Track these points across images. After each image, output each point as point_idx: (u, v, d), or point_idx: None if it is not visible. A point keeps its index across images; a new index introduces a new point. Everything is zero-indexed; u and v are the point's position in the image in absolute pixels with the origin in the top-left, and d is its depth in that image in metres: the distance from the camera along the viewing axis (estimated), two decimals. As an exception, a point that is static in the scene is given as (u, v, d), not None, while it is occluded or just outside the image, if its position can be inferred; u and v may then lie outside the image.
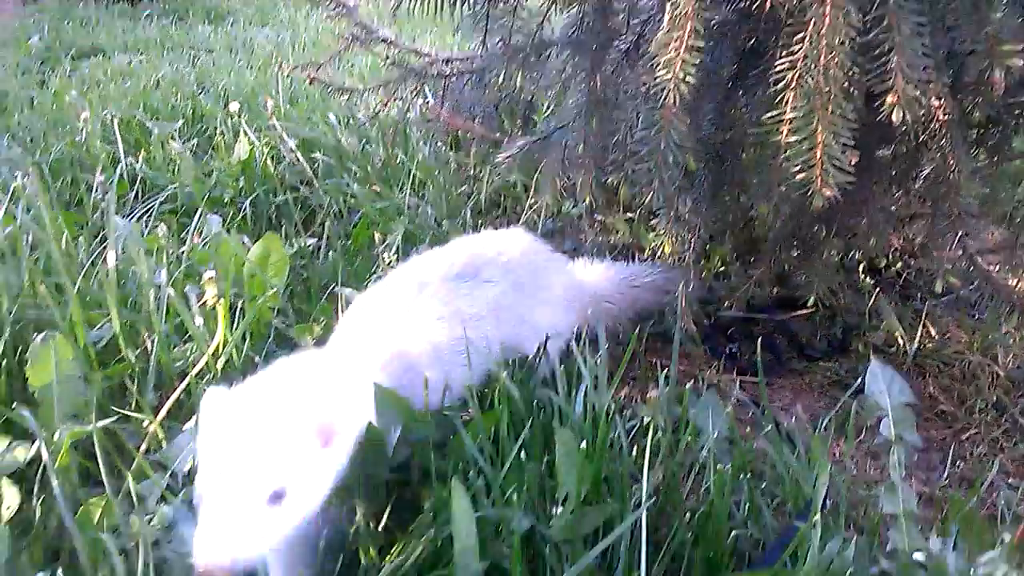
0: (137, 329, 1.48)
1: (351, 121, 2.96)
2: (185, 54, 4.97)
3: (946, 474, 1.50)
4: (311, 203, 2.51)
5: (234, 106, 2.77)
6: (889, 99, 1.11)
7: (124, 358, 1.42)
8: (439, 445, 1.16)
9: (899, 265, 2.25)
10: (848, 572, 1.00)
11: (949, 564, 0.97)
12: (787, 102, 1.16)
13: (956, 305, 2.05)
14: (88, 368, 1.36)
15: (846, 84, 1.17)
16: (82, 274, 1.54)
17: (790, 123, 1.14)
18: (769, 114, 1.18)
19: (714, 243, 2.04)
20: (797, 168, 1.16)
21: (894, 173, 1.74)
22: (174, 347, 1.49)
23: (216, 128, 2.92)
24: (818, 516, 0.97)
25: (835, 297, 1.90)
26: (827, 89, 1.13)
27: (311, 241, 2.12)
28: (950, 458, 1.53)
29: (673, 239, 1.64)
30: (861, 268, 2.13)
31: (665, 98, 1.10)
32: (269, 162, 2.60)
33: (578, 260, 1.82)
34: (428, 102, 2.55)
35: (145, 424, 1.30)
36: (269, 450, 0.92)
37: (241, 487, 0.89)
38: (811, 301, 1.61)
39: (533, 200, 2.30)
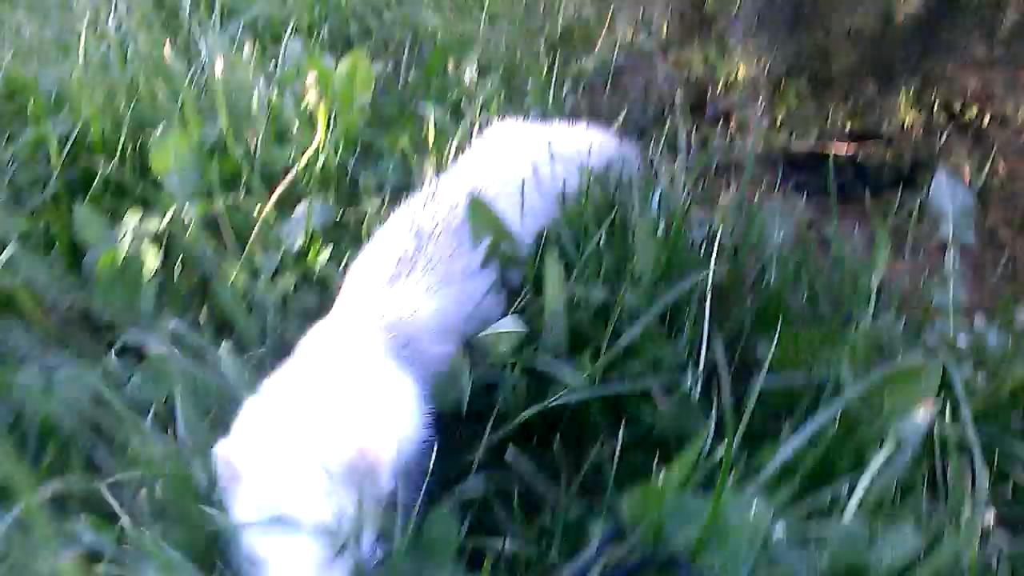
0: (240, 131, 1.60)
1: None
2: None
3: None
4: (380, 32, 2.56)
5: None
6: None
7: (231, 154, 1.54)
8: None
9: (974, 110, 2.24)
10: (894, 344, 1.10)
11: (989, 340, 1.07)
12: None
13: (1025, 148, 2.05)
14: (201, 160, 1.49)
15: None
16: (187, 79, 1.64)
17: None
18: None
19: (789, 76, 2.05)
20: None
21: (979, 18, 1.72)
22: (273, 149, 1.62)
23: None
24: (872, 294, 1.06)
25: (906, 133, 1.92)
26: None
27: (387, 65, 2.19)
28: (999, 273, 1.59)
29: (750, 65, 1.66)
30: (935, 108, 2.13)
31: None
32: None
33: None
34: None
35: (257, 209, 1.44)
36: None
37: None
38: (889, 135, 1.63)
39: (606, 33, 2.31)
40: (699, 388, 1.10)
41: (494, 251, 1.19)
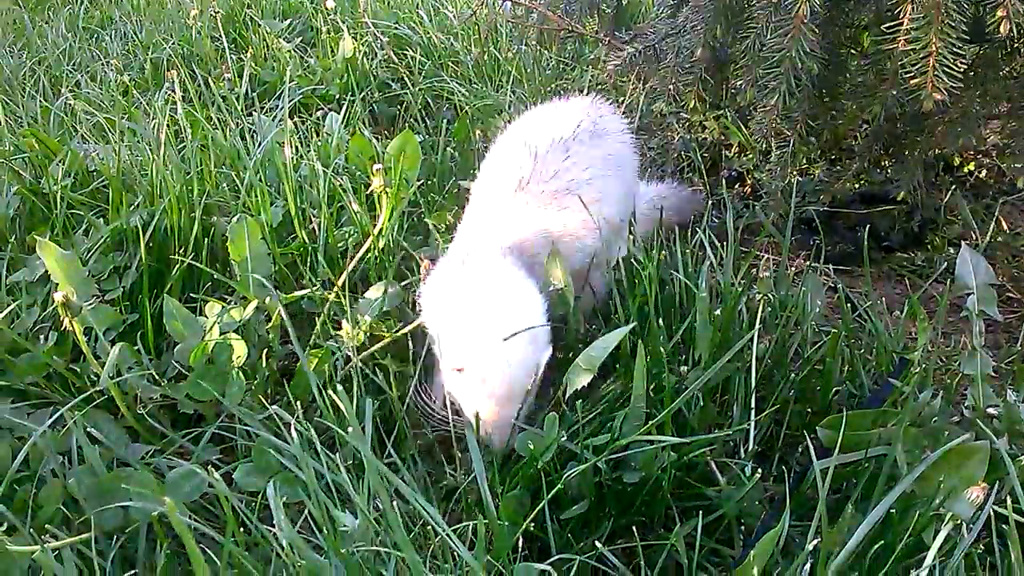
0: (304, 213, 1.70)
1: (439, 19, 3.07)
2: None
3: (1012, 352, 1.69)
4: (402, 99, 2.68)
5: (330, 3, 2.89)
6: (999, 12, 1.23)
7: (298, 236, 1.64)
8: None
9: (972, 164, 2.38)
10: (934, 418, 1.21)
11: (1021, 412, 1.18)
12: (905, 14, 1.29)
13: (1026, 203, 2.18)
14: (272, 246, 1.58)
15: (959, -2, 1.29)
16: (252, 164, 1.74)
17: (906, 32, 1.28)
18: (886, 24, 1.31)
19: (802, 142, 2.17)
20: (910, 74, 1.30)
21: (973, 74, 1.86)
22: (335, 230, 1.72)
23: (311, 25, 3.06)
24: (917, 368, 1.17)
25: (915, 193, 2.05)
26: (943, 1, 1.26)
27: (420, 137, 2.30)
28: (1020, 338, 1.71)
29: (769, 135, 1.79)
30: (939, 166, 2.26)
31: (798, 8, 1.24)
32: (364, 60, 2.75)
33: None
34: (520, 1, 2.66)
35: (322, 293, 1.53)
36: None
37: None
38: (900, 196, 1.76)
39: (628, 97, 2.43)
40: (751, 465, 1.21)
41: (561, 303, 1.39)
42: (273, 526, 1.01)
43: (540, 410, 1.30)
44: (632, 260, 1.44)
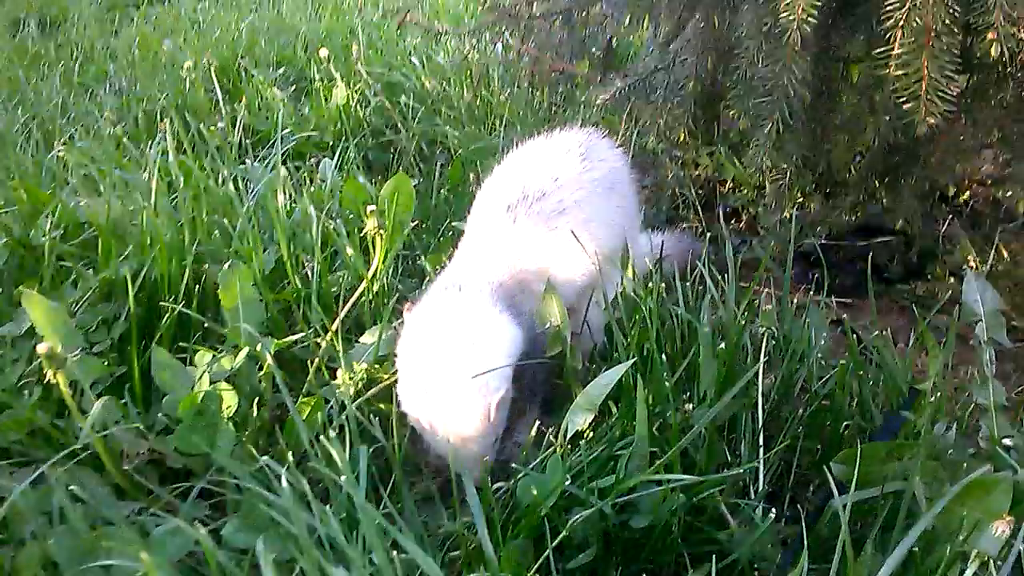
0: (297, 259, 1.67)
1: (431, 65, 3.09)
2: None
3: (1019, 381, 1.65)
4: (396, 145, 2.68)
5: (324, 52, 2.91)
6: (989, 35, 1.23)
7: (291, 282, 1.61)
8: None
9: (967, 194, 2.37)
10: (949, 451, 1.17)
11: (1041, 442, 1.14)
12: (895, 39, 1.28)
13: (1024, 229, 2.17)
14: (264, 294, 1.55)
15: (949, 21, 1.29)
16: (244, 211, 1.72)
17: (898, 58, 1.27)
18: (878, 49, 1.30)
19: (797, 175, 2.16)
20: (903, 99, 1.29)
21: (963, 104, 1.85)
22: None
23: (304, 74, 3.08)
24: (930, 399, 1.13)
25: (911, 224, 2.03)
26: (933, 25, 1.25)
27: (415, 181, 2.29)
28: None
29: (765, 170, 1.78)
30: (935, 197, 2.25)
31: (789, 37, 1.23)
32: (358, 107, 2.76)
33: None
34: (511, 45, 2.68)
35: (317, 339, 1.50)
36: None
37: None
38: (897, 227, 1.74)
39: (619, 136, 2.43)
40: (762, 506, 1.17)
41: (555, 340, 1.36)
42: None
43: (521, 446, 1.26)
44: (632, 293, 1.41)
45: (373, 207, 1.48)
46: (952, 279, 2.01)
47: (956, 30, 1.32)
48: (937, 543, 0.99)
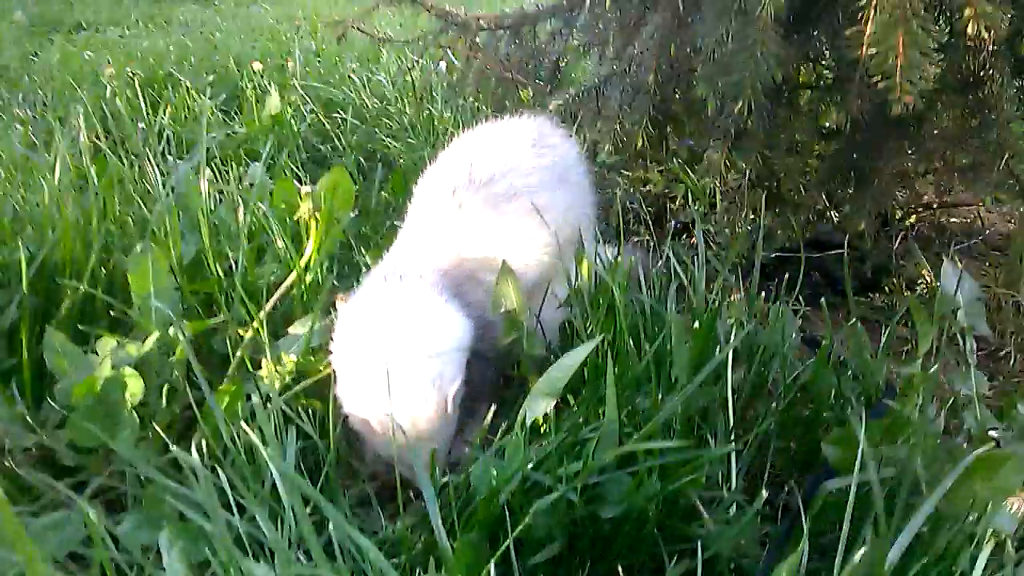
0: (220, 250, 1.51)
1: (371, 85, 2.99)
2: (177, 29, 4.94)
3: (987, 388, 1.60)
4: (331, 161, 2.55)
5: (257, 65, 2.79)
6: (967, 12, 1.19)
7: (212, 273, 1.45)
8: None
9: (913, 218, 2.38)
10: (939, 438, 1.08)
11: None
12: (868, 19, 1.24)
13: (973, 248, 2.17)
14: (181, 281, 1.39)
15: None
16: (162, 202, 1.56)
17: (872, 35, 1.22)
18: (850, 30, 1.26)
19: (749, 189, 2.13)
20: (877, 79, 1.24)
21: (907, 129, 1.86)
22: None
23: (236, 91, 2.93)
24: (918, 380, 1.05)
25: (864, 240, 2.01)
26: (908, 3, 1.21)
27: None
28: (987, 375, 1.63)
29: (718, 182, 1.73)
30: (885, 217, 2.24)
31: (762, 10, 1.17)
32: (292, 121, 2.63)
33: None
34: (455, 65, 2.61)
35: (239, 331, 1.33)
36: None
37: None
38: (849, 240, 1.70)
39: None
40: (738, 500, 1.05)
41: (511, 326, 1.25)
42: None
43: (471, 445, 1.12)
44: (595, 277, 1.30)
45: (308, 188, 1.35)
46: (908, 293, 1.98)
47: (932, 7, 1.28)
48: (943, 527, 0.88)
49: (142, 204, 1.65)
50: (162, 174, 1.91)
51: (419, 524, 1.07)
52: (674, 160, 2.26)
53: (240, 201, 1.60)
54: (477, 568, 0.88)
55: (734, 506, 1.07)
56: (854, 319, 1.32)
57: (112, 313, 1.32)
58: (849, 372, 1.28)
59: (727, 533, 0.99)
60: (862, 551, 0.78)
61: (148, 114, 2.56)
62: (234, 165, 2.22)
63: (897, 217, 2.34)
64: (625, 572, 0.93)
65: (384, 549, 1.05)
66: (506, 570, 0.92)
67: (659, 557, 0.99)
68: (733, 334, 1.27)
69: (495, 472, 0.95)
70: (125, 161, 2.15)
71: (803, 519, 0.87)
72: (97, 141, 1.89)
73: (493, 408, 1.10)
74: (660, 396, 1.12)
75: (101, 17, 5.56)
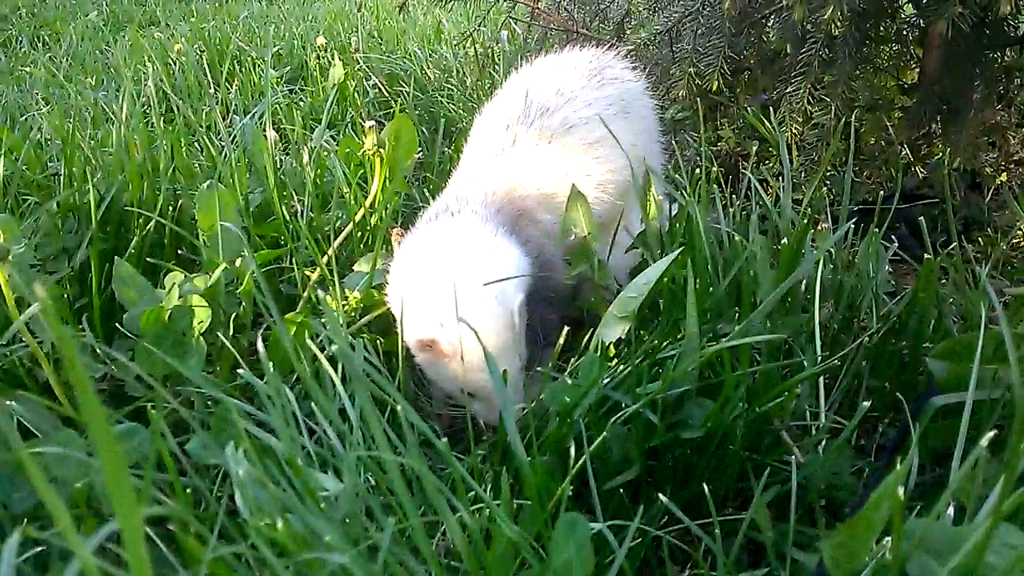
0: (287, 195, 1.50)
1: (433, 59, 2.98)
2: (244, 24, 5.02)
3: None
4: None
5: (321, 39, 2.80)
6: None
7: (278, 217, 1.43)
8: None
9: (1004, 175, 2.24)
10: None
11: None
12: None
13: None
14: (247, 220, 1.38)
15: None
16: (229, 152, 1.56)
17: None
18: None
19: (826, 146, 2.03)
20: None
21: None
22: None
23: (300, 73, 2.96)
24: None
25: (953, 193, 1.90)
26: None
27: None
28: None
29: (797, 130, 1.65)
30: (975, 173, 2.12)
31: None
32: (355, 95, 2.63)
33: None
34: (517, 33, 2.58)
35: (305, 272, 1.31)
36: None
37: None
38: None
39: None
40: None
41: (581, 255, 1.19)
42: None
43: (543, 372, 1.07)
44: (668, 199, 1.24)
45: (372, 122, 1.32)
46: (1006, 246, 1.86)
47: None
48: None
49: (209, 152, 1.65)
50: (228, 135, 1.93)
51: (488, 455, 1.03)
52: (748, 111, 2.17)
53: (307, 151, 1.58)
54: (551, 489, 0.83)
55: (824, 441, 0.99)
56: (955, 248, 1.21)
57: (180, 253, 1.31)
58: (950, 301, 1.18)
59: (819, 461, 0.92)
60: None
61: (215, 88, 2.59)
62: (299, 130, 2.23)
63: (988, 173, 2.21)
64: (705, 498, 0.87)
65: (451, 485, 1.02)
66: (584, 494, 0.87)
67: (745, 487, 0.93)
68: (822, 262, 1.20)
69: (569, 392, 0.89)
70: (193, 118, 2.19)
71: (912, 431, 0.79)
72: (166, 98, 1.91)
73: (566, 330, 1.05)
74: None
75: (171, 15, 5.70)
